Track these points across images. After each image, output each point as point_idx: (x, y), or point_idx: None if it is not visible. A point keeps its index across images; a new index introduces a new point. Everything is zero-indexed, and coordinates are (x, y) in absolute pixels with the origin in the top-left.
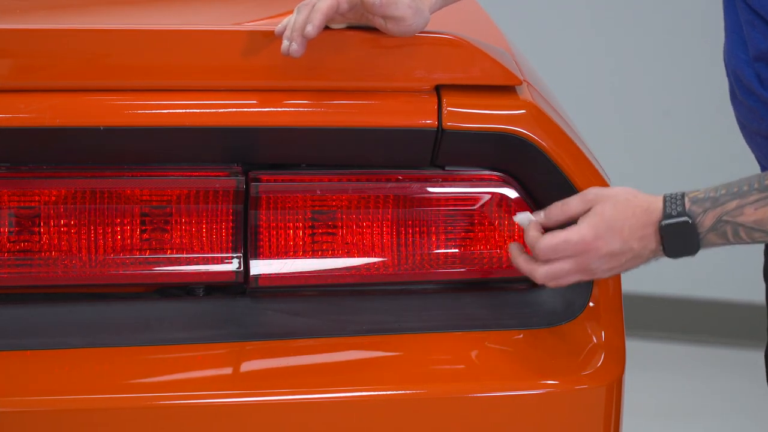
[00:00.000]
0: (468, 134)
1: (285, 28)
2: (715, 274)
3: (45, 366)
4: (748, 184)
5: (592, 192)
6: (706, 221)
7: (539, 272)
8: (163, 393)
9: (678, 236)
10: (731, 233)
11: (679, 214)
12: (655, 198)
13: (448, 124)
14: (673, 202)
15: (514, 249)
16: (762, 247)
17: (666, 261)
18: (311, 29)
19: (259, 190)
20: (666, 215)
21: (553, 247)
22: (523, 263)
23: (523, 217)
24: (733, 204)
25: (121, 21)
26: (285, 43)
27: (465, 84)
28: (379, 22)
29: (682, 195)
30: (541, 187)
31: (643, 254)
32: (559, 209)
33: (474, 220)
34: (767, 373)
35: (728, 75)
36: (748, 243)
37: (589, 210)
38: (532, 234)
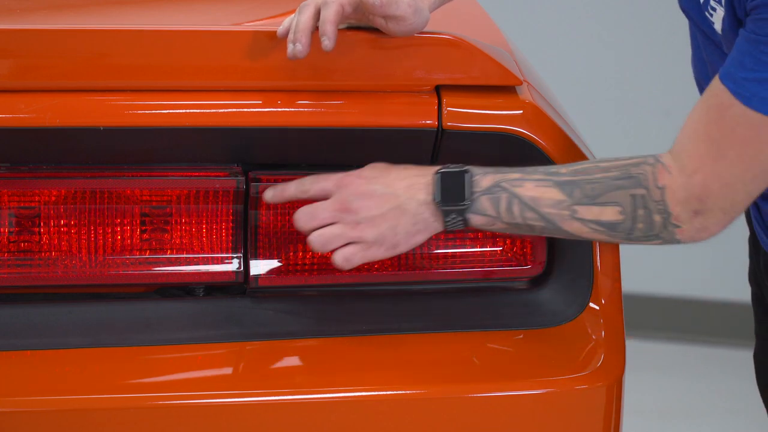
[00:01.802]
0: (468, 134)
1: (287, 31)
2: (715, 274)
3: (45, 366)
4: (535, 168)
5: None
6: (484, 181)
7: (296, 212)
8: (163, 393)
9: (450, 183)
10: (505, 203)
11: (457, 167)
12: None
13: (448, 124)
14: (451, 164)
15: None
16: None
17: (665, 261)
18: (329, 43)
19: (259, 190)
20: (443, 167)
21: (306, 178)
22: (283, 198)
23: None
24: (516, 175)
25: (121, 21)
26: (290, 46)
27: (465, 84)
28: (379, 22)
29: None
30: None
31: (409, 206)
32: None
33: None
34: (757, 375)
35: (697, 88)
36: (516, 227)
37: None
38: (294, 187)
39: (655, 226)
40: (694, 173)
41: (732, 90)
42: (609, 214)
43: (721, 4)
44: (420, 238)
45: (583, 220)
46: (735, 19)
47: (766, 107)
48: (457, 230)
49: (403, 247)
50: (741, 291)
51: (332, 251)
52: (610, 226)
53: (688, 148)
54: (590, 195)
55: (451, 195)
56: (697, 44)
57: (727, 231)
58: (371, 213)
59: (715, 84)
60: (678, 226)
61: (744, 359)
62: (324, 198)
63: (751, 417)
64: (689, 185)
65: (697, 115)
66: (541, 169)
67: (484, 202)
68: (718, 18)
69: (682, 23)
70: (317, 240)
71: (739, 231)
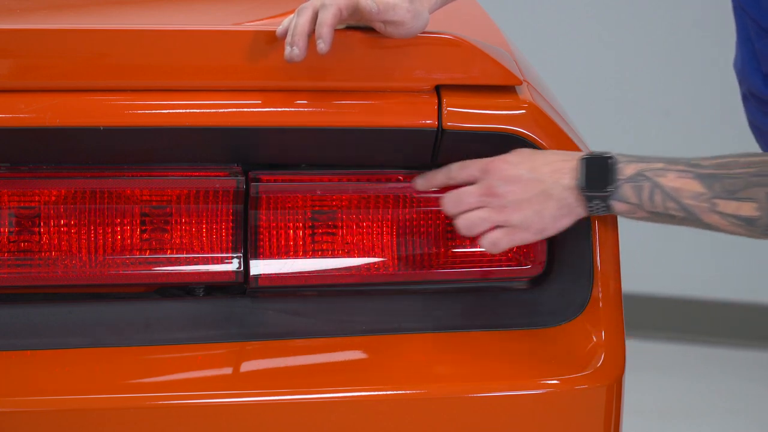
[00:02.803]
0: (468, 134)
1: (286, 31)
2: (715, 274)
3: (45, 366)
4: (677, 158)
5: None
6: (628, 169)
7: (444, 197)
8: (163, 393)
9: (595, 170)
10: (647, 192)
11: (602, 153)
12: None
13: (448, 124)
14: (597, 151)
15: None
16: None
17: (665, 261)
18: (324, 46)
19: (259, 190)
20: (589, 153)
21: (454, 165)
22: (433, 185)
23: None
24: (659, 164)
25: (121, 21)
26: (287, 49)
27: (465, 84)
28: (378, 26)
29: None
30: None
31: (554, 190)
32: None
33: None
34: None
35: (739, 82)
36: (656, 216)
37: None
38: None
39: None
40: None
41: None
42: (746, 209)
43: None
44: (565, 222)
45: (722, 213)
46: None
47: None
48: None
49: (550, 231)
50: (741, 291)
51: (479, 235)
52: (748, 221)
53: None
54: (729, 189)
55: (596, 181)
56: (747, 39)
57: None
58: (517, 197)
59: None
60: None
61: (744, 359)
62: (470, 183)
63: (751, 417)
64: None
65: None
66: (683, 159)
67: (627, 190)
68: None
69: (683, 23)
70: (463, 224)
71: None
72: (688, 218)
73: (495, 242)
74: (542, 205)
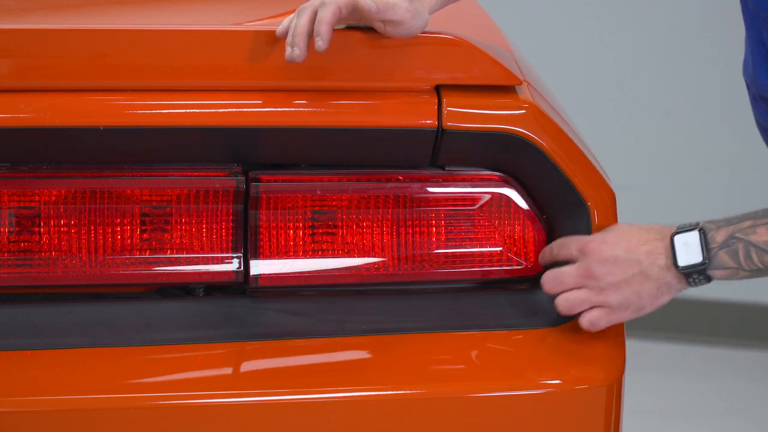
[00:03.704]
0: (468, 134)
1: (286, 31)
2: None
3: (45, 366)
4: (763, 211)
5: None
6: (719, 236)
7: (544, 276)
8: (163, 393)
9: (688, 246)
10: (743, 253)
11: (689, 226)
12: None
13: (448, 124)
14: (682, 224)
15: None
16: None
17: None
18: (322, 43)
19: (259, 190)
20: (678, 228)
21: (559, 241)
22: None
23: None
24: (747, 223)
25: (121, 21)
26: (288, 50)
27: (465, 84)
28: (378, 26)
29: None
30: (541, 187)
31: (651, 271)
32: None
33: (474, 220)
34: None
35: (749, 86)
36: (757, 272)
37: None
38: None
39: None
40: None
41: None
42: None
43: None
44: (664, 300)
45: None
46: None
47: None
48: None
49: (648, 310)
50: (741, 291)
51: (579, 314)
52: None
53: None
54: None
55: (689, 257)
56: (759, 41)
57: None
58: (615, 279)
59: None
60: None
61: (744, 359)
62: (571, 262)
63: (751, 417)
64: None
65: None
66: (764, 211)
67: (722, 257)
68: None
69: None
70: (563, 304)
71: None
72: None
73: (594, 322)
74: (641, 285)
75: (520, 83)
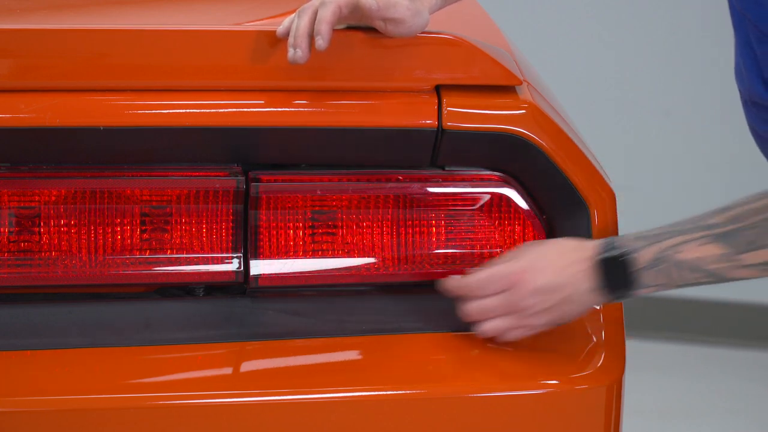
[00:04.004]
0: (468, 134)
1: (287, 31)
2: None
3: (45, 366)
4: (690, 224)
5: (528, 242)
6: (645, 256)
7: (467, 307)
8: (163, 393)
9: (614, 271)
10: (670, 272)
11: (615, 248)
12: (587, 240)
13: (448, 124)
14: (608, 241)
15: (447, 282)
16: None
17: None
18: (322, 42)
19: (259, 190)
20: (601, 249)
21: (479, 280)
22: (455, 294)
23: (449, 282)
24: (674, 240)
25: (121, 21)
26: (290, 51)
27: (465, 84)
28: (378, 24)
29: (617, 237)
30: (541, 187)
31: (576, 296)
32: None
33: (474, 220)
34: None
35: (740, 89)
36: (683, 287)
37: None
38: (462, 281)
39: None
40: None
41: None
42: None
43: None
44: (584, 313)
45: (750, 266)
46: None
47: None
48: None
49: (569, 321)
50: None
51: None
52: None
53: None
54: (753, 241)
55: (616, 284)
56: (746, 43)
57: None
58: (542, 307)
59: None
60: None
61: (744, 359)
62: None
63: (751, 417)
64: None
65: None
66: (695, 223)
67: (649, 276)
68: None
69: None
70: (491, 333)
71: None
72: (717, 280)
73: (515, 338)
74: (565, 308)
75: (520, 83)
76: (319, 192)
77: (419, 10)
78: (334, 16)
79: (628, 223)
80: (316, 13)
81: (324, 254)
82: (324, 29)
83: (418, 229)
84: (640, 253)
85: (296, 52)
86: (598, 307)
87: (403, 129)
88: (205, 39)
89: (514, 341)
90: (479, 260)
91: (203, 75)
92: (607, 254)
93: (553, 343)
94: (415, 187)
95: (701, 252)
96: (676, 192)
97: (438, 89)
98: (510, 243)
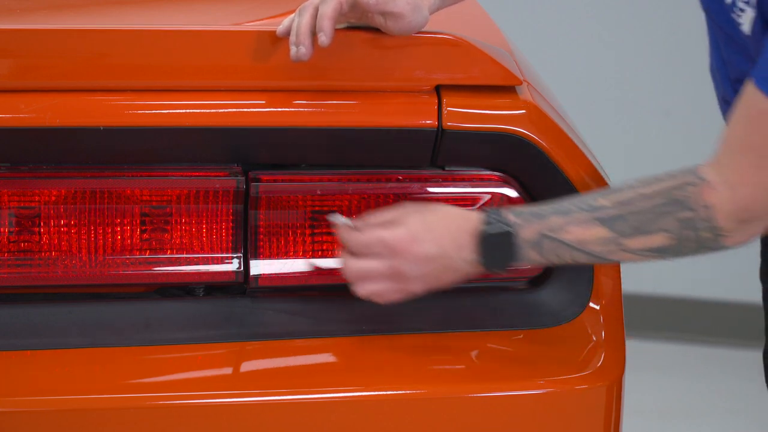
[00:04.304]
0: (468, 134)
1: (287, 30)
2: (715, 274)
3: (45, 366)
4: (576, 204)
5: (409, 204)
6: (527, 234)
7: (348, 265)
8: (163, 393)
9: (496, 246)
10: (551, 251)
11: (498, 222)
12: (476, 210)
13: (448, 124)
14: (493, 213)
15: (335, 222)
16: (758, 247)
17: (665, 261)
18: (325, 38)
19: (259, 190)
20: (485, 222)
21: (365, 242)
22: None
23: (337, 218)
24: (558, 221)
25: (121, 21)
26: (293, 49)
27: (465, 84)
28: (378, 20)
29: (504, 209)
30: (540, 187)
31: (457, 264)
32: (374, 217)
33: None
34: (766, 374)
35: (714, 86)
36: (563, 264)
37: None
38: (345, 233)
39: (705, 242)
40: (740, 186)
41: None
42: (657, 240)
43: (750, 5)
44: (458, 282)
45: (632, 251)
46: (765, 21)
47: None
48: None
49: (439, 288)
50: (741, 291)
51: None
52: (659, 251)
53: (730, 161)
54: (636, 227)
55: (496, 257)
56: (716, 45)
57: None
58: (421, 273)
59: (750, 90)
60: (726, 236)
61: (744, 359)
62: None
63: (751, 417)
64: (736, 198)
65: (735, 125)
66: (583, 204)
67: (530, 253)
68: (747, 19)
69: (682, 24)
70: (368, 295)
71: None
72: (598, 261)
73: (389, 300)
74: (444, 274)
75: (520, 83)
76: (319, 192)
77: (419, 6)
78: (335, 12)
79: None
80: (317, 10)
81: (324, 254)
82: (326, 25)
83: None
84: (524, 229)
85: (299, 49)
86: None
87: (403, 129)
88: (205, 39)
89: (386, 304)
90: None
91: (203, 75)
92: (489, 229)
93: (553, 343)
94: (415, 187)
95: (585, 234)
96: None
97: (438, 89)
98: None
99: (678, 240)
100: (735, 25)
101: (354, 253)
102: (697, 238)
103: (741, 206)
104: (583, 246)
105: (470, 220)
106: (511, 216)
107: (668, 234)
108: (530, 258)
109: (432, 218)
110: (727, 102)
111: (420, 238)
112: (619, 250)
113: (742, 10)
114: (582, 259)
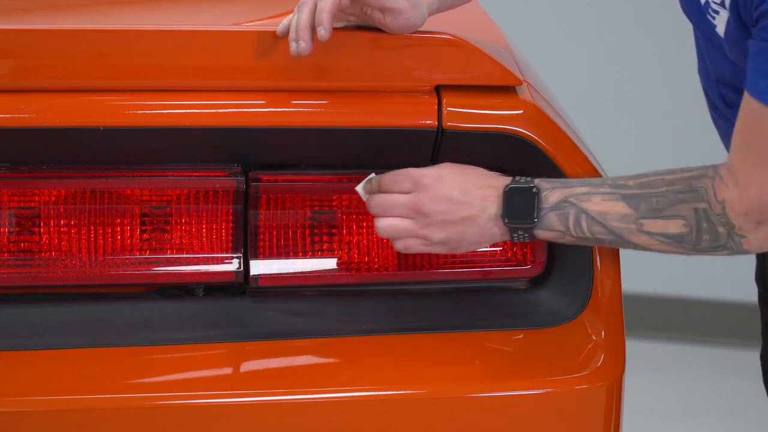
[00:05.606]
0: (468, 134)
1: (287, 29)
2: (715, 274)
3: (45, 366)
4: (602, 180)
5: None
6: (552, 197)
7: (373, 199)
8: (163, 393)
9: (520, 201)
10: (573, 219)
11: (526, 181)
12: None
13: (448, 124)
14: (522, 177)
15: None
16: None
17: (665, 261)
18: (324, 32)
19: (259, 190)
20: (514, 180)
21: (393, 175)
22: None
23: (361, 186)
24: (583, 189)
25: (121, 21)
26: (293, 44)
27: (465, 84)
28: (377, 17)
29: (530, 177)
30: None
31: (479, 218)
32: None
33: None
34: (764, 376)
35: (703, 91)
36: (582, 240)
37: None
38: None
39: (721, 237)
40: (748, 187)
41: (762, 100)
42: (674, 227)
43: (724, 7)
44: (481, 247)
45: (649, 233)
46: (740, 23)
47: None
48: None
49: (464, 251)
50: (741, 291)
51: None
52: (676, 239)
53: (738, 162)
54: (655, 208)
55: (520, 213)
56: (699, 46)
57: None
58: (444, 218)
59: (746, 99)
60: (744, 237)
61: (744, 359)
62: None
63: (751, 417)
64: (745, 199)
65: (738, 130)
66: (609, 181)
67: (552, 218)
68: (721, 21)
69: (682, 24)
70: (387, 231)
71: None
72: (616, 240)
73: (409, 248)
74: (466, 229)
75: (520, 83)
76: (319, 192)
77: (418, 3)
78: (334, 6)
79: None
80: (315, 6)
81: (324, 254)
82: (325, 19)
83: None
84: (549, 192)
85: (299, 44)
86: (493, 242)
87: (403, 129)
88: (205, 39)
89: (405, 253)
90: (480, 260)
91: (203, 75)
92: (517, 184)
93: (553, 343)
94: None
95: (606, 207)
96: None
97: (438, 89)
98: (509, 243)
99: (694, 230)
100: (711, 27)
101: (381, 189)
102: (714, 231)
103: (752, 206)
104: (602, 218)
105: (500, 179)
106: (539, 181)
107: (684, 221)
108: (550, 223)
109: (464, 169)
110: (713, 103)
111: (446, 180)
112: (636, 230)
113: (716, 12)
114: (600, 233)
